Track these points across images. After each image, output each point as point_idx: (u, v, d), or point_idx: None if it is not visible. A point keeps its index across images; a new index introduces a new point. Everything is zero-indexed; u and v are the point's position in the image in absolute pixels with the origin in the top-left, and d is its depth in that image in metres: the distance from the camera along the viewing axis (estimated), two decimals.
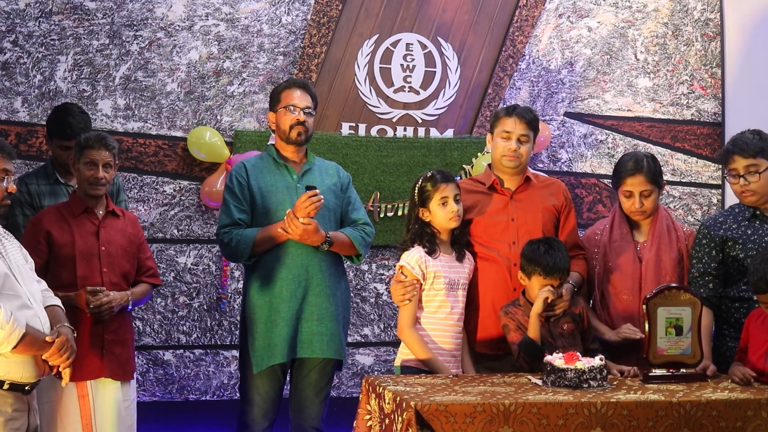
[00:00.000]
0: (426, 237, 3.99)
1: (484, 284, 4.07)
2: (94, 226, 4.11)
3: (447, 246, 4.03)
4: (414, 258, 3.96)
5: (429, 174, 4.04)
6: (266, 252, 4.18)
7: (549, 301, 3.83)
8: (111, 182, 4.19)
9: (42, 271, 3.97)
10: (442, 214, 3.97)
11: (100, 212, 4.14)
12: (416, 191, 4.03)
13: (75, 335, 3.51)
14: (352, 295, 5.84)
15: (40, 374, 3.44)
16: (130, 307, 4.16)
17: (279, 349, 4.12)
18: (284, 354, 4.13)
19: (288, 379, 4.31)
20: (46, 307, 3.52)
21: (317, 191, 4.06)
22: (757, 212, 4.00)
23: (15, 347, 3.29)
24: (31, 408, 3.46)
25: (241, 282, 5.15)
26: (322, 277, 4.19)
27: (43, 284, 3.62)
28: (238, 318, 4.83)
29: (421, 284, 3.94)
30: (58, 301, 3.62)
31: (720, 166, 6.14)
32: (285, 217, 4.08)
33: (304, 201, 4.03)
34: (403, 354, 3.99)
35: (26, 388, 3.40)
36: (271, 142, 4.58)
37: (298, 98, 4.29)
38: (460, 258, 4.04)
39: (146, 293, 4.26)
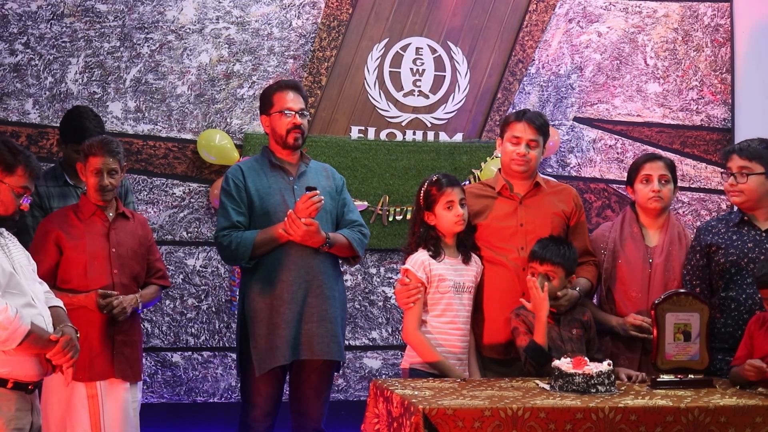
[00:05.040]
0: (431, 240, 4.00)
1: (492, 289, 4.07)
2: (104, 228, 4.12)
3: (452, 249, 4.03)
4: (418, 261, 3.97)
5: (435, 178, 4.04)
6: (266, 254, 4.16)
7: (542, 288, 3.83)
8: (118, 186, 4.19)
9: (52, 273, 3.99)
10: (447, 218, 3.98)
11: (111, 214, 4.16)
12: (422, 195, 4.03)
13: (78, 336, 3.53)
14: (360, 298, 5.87)
15: (44, 373, 3.46)
16: (140, 309, 4.18)
17: (281, 351, 4.10)
18: (286, 356, 4.11)
19: (288, 380, 4.31)
20: (49, 308, 3.55)
21: (317, 192, 4.05)
22: (745, 218, 4.02)
23: (20, 344, 3.31)
24: (34, 407, 3.47)
25: None
26: (321, 279, 4.18)
27: (45, 286, 3.64)
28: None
29: (425, 287, 3.95)
30: (60, 302, 3.65)
31: None
32: (286, 219, 4.07)
33: (306, 202, 4.02)
34: (410, 357, 4.00)
35: (29, 387, 3.42)
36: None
37: (292, 101, 4.25)
38: (466, 261, 4.04)
39: (155, 295, 4.28)
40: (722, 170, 4.09)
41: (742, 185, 3.96)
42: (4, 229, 3.53)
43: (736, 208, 4.13)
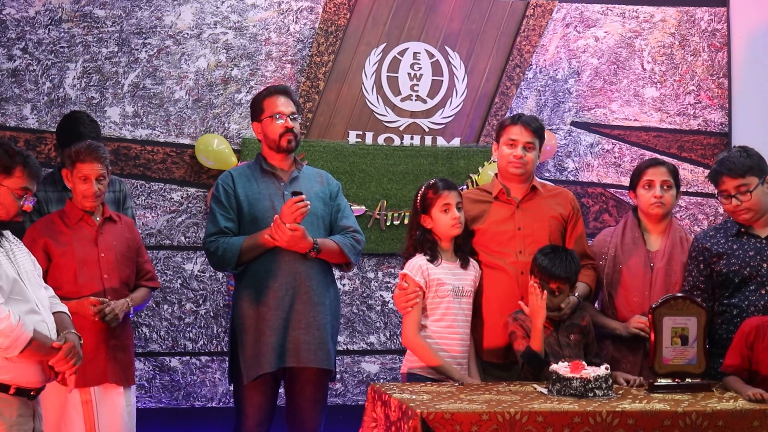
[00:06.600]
0: (427, 244, 4.00)
1: (490, 293, 4.07)
2: (92, 233, 4.11)
3: (450, 254, 4.04)
4: (416, 266, 3.97)
5: (431, 182, 4.05)
6: (254, 260, 4.14)
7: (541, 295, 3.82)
8: (105, 191, 4.18)
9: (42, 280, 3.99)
10: (443, 220, 3.98)
11: (98, 219, 4.15)
12: (418, 198, 4.04)
13: (82, 342, 3.52)
14: (358, 303, 5.87)
15: (46, 380, 3.45)
16: (131, 313, 4.18)
17: (267, 359, 4.07)
18: (272, 363, 4.08)
19: (283, 388, 4.29)
20: (53, 314, 3.53)
21: (303, 197, 4.04)
22: (742, 229, 4.00)
23: (22, 352, 3.30)
24: (36, 414, 3.46)
25: None
26: (309, 285, 4.15)
27: (50, 291, 3.63)
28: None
29: (424, 292, 3.95)
30: (65, 308, 3.63)
31: None
32: (272, 224, 4.06)
33: (290, 207, 4.02)
34: (409, 362, 4.00)
35: (31, 393, 3.41)
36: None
37: (283, 105, 4.25)
38: (464, 265, 4.04)
39: (146, 297, 4.28)
40: (717, 194, 4.02)
41: (746, 203, 3.91)
42: (9, 233, 3.51)
43: (730, 218, 4.12)
